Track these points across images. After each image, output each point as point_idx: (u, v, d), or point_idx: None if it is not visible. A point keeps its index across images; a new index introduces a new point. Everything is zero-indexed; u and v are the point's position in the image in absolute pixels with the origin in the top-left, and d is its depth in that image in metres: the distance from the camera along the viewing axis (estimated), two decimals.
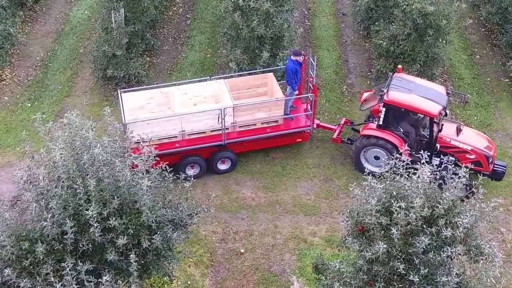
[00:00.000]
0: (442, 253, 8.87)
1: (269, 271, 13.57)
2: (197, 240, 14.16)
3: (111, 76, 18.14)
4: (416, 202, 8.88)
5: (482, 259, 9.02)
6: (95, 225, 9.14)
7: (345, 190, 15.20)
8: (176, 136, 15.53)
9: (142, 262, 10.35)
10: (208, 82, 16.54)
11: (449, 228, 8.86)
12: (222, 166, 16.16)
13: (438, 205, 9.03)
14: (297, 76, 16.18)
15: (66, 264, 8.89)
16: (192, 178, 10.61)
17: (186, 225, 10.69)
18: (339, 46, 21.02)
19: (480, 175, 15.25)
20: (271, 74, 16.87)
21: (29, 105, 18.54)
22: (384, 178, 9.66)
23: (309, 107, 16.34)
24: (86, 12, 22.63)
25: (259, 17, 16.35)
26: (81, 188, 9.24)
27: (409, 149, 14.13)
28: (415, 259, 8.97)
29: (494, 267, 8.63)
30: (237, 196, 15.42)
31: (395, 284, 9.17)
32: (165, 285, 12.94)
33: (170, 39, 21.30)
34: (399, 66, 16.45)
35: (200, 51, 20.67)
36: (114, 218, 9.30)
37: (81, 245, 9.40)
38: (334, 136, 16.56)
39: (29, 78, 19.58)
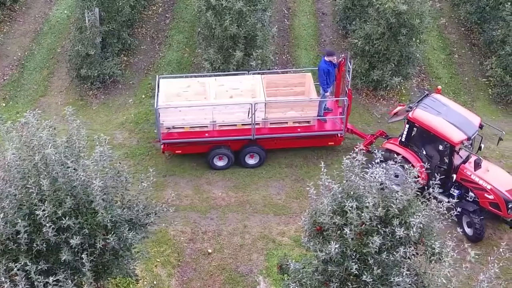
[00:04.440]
0: (395, 253, 8.83)
1: (236, 271, 13.51)
2: (165, 240, 14.11)
3: (85, 75, 18.09)
4: (369, 202, 8.83)
5: (434, 258, 8.99)
6: (48, 224, 9.10)
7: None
8: (207, 126, 15.66)
9: (102, 262, 10.32)
10: (246, 76, 16.60)
11: (403, 228, 8.80)
12: (250, 161, 16.24)
13: (393, 205, 8.99)
14: (329, 78, 15.96)
15: (15, 264, 8.85)
16: (152, 178, 10.49)
17: (145, 225, 10.63)
18: (318, 46, 20.98)
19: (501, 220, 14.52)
20: (309, 74, 16.85)
21: (4, 104, 18.49)
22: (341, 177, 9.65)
23: (343, 111, 16.09)
24: (65, 12, 22.55)
25: (232, 16, 16.29)
26: (34, 187, 9.21)
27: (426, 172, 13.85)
28: (369, 259, 8.93)
29: (444, 267, 8.58)
30: (207, 196, 15.37)
31: (349, 284, 9.13)
32: (131, 285, 12.87)
33: (148, 39, 21.24)
34: (439, 87, 15.94)
35: (178, 50, 20.62)
36: (68, 218, 9.26)
37: (35, 245, 9.36)
38: (363, 145, 15.95)
39: (5, 78, 19.53)
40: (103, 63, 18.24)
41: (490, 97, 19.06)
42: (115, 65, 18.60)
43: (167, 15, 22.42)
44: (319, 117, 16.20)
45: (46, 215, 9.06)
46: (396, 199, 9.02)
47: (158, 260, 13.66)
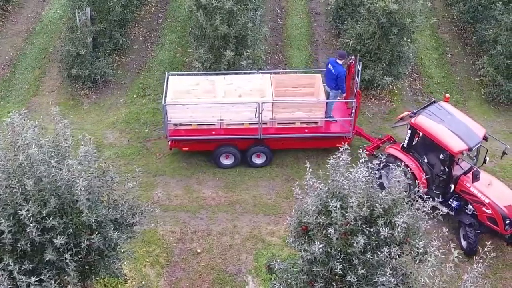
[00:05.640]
0: (380, 253, 8.80)
1: (225, 271, 13.48)
2: (154, 240, 14.08)
3: (76, 75, 18.06)
4: (352, 202, 8.80)
5: (417, 258, 8.97)
6: (31, 224, 9.08)
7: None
8: (214, 124, 15.67)
9: (87, 262, 10.29)
10: (255, 75, 16.60)
11: (388, 228, 8.78)
12: (257, 160, 16.26)
13: (377, 205, 8.96)
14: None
15: None
16: (138, 178, 10.47)
17: (131, 225, 10.59)
18: (310, 45, 20.95)
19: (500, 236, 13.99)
20: (318, 75, 16.76)
21: None
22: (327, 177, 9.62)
23: (351, 113, 15.97)
24: (58, 11, 22.53)
25: (222, 16, 16.27)
26: (17, 187, 9.18)
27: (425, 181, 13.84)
28: (354, 259, 8.90)
29: (427, 266, 8.55)
30: (197, 196, 15.34)
31: (334, 284, 9.10)
32: (119, 286, 12.83)
33: (141, 38, 21.21)
34: (447, 95, 15.70)
35: (170, 50, 20.60)
36: (52, 218, 9.24)
37: (19, 245, 9.34)
38: (368, 148, 15.64)
39: None
40: (94, 62, 18.21)
41: (482, 96, 19.04)
42: (107, 64, 18.57)
43: (160, 14, 22.39)
44: (328, 118, 16.13)
45: (30, 215, 9.03)
46: (381, 198, 9.02)
47: (147, 260, 13.63)
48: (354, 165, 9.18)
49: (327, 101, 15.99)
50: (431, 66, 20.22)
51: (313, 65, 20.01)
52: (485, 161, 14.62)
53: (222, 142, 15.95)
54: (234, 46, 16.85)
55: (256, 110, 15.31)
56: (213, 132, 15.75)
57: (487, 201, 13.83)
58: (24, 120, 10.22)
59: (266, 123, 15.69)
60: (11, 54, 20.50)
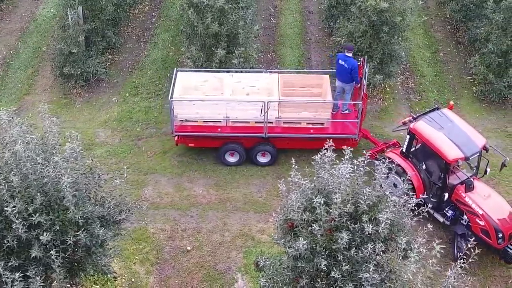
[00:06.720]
0: (364, 249, 8.83)
1: (215, 268, 13.52)
2: (145, 237, 14.10)
3: (69, 74, 18.10)
4: (336, 198, 8.84)
5: (401, 255, 9.00)
6: (18, 221, 9.11)
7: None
8: (220, 121, 15.74)
9: (75, 258, 10.32)
10: (263, 74, 16.67)
11: (373, 225, 8.81)
12: (261, 159, 16.31)
13: (362, 201, 8.99)
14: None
15: None
16: (126, 175, 10.52)
17: (118, 222, 10.62)
18: (303, 44, 20.98)
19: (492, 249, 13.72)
20: (326, 76, 16.74)
21: None
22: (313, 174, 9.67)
23: (357, 115, 15.91)
24: (52, 11, 22.56)
25: (214, 14, 16.30)
26: (3, 184, 9.21)
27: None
28: (338, 255, 8.94)
29: (410, 263, 8.59)
30: (188, 194, 15.37)
31: (319, 281, 9.14)
32: (109, 283, 12.87)
33: (134, 37, 21.23)
34: (451, 102, 15.49)
35: (163, 49, 20.62)
36: (38, 214, 9.27)
37: (5, 242, 9.37)
38: (372, 151, 15.51)
39: None
40: (87, 61, 18.25)
41: (474, 95, 19.06)
42: (99, 63, 18.61)
43: (153, 13, 22.42)
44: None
45: (16, 211, 9.06)
46: (365, 195, 9.04)
47: (137, 257, 13.66)
48: (338, 161, 9.21)
49: (333, 102, 16.00)
50: (424, 64, 20.26)
51: (306, 64, 20.06)
52: (486, 172, 14.46)
53: (227, 140, 16.01)
54: (226, 44, 16.88)
55: (261, 108, 15.33)
56: (219, 129, 15.82)
57: (480, 212, 13.64)
58: (12, 118, 10.26)
59: (272, 122, 15.73)
60: (5, 53, 20.53)
